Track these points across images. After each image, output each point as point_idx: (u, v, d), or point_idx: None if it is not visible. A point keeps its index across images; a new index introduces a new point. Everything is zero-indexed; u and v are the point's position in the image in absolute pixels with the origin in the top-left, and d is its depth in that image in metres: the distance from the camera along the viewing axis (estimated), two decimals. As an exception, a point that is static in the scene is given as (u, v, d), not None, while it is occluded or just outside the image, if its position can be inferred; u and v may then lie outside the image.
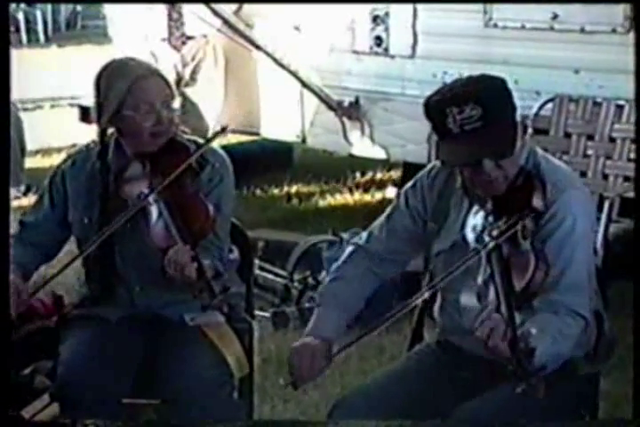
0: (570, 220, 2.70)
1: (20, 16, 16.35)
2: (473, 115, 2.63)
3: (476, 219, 2.82)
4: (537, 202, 2.67)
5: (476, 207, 2.82)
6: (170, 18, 6.74)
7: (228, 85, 6.58)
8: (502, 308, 2.50)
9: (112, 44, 7.39)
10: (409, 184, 2.97)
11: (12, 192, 7.09)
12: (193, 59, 6.63)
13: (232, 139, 7.82)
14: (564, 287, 2.67)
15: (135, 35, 6.96)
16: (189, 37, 6.77)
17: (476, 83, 2.72)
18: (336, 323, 2.91)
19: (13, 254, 3.15)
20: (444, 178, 2.89)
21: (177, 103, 3.12)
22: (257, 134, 6.83)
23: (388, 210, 3.00)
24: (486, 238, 2.67)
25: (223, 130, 3.27)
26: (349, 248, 3.04)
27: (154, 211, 3.00)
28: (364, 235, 3.02)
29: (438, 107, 2.67)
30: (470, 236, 2.82)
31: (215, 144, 3.23)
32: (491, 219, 2.73)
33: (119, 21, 7.33)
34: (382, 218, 3.00)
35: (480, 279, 2.73)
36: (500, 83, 2.72)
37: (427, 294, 2.77)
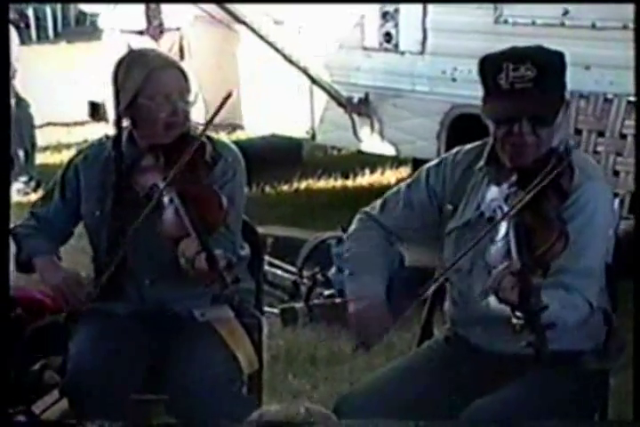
0: (592, 207, 2.73)
1: (30, 13, 16.38)
2: (526, 75, 2.70)
3: (494, 196, 2.83)
4: (564, 182, 2.69)
5: (494, 187, 2.84)
6: (147, 7, 6.74)
7: (209, 79, 6.50)
8: (518, 264, 2.53)
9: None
10: (433, 163, 3.00)
11: (23, 188, 7.11)
12: (169, 51, 6.56)
13: (241, 135, 7.82)
14: (576, 272, 2.68)
15: (115, 28, 6.95)
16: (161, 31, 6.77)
17: (538, 48, 2.81)
18: (378, 285, 2.91)
19: (34, 245, 3.16)
20: (467, 162, 2.92)
21: (193, 97, 3.12)
22: (240, 127, 6.78)
23: (406, 184, 3.02)
24: (505, 208, 2.71)
25: (228, 96, 3.15)
26: (360, 216, 3.04)
27: (166, 202, 3.00)
28: (378, 206, 3.03)
29: (495, 60, 2.75)
30: (488, 211, 2.83)
31: (226, 140, 3.22)
32: (513, 189, 2.75)
33: (103, 16, 7.30)
34: (399, 191, 3.01)
35: (493, 251, 2.74)
36: (560, 55, 2.80)
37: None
